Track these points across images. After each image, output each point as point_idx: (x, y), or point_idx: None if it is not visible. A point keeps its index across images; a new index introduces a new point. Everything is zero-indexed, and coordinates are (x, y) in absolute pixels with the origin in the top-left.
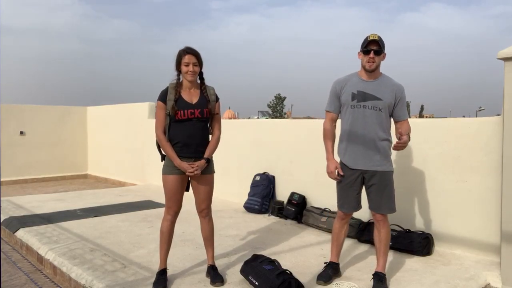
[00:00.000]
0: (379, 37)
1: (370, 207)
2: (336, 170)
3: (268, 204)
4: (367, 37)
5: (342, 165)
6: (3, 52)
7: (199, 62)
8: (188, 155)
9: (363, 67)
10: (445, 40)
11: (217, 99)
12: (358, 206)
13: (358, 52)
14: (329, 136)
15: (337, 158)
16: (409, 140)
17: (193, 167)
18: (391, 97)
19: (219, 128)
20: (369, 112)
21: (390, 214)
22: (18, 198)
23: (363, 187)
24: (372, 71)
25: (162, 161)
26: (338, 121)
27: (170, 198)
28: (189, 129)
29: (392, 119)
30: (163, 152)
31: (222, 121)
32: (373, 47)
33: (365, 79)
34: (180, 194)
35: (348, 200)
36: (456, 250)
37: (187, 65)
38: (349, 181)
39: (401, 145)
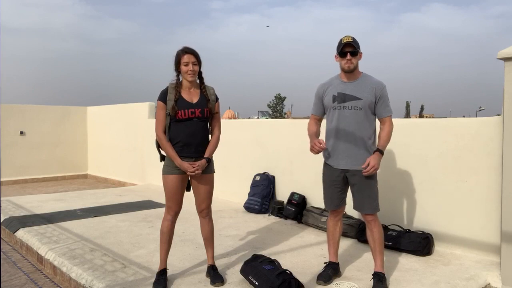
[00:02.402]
0: (353, 38)
1: (354, 207)
2: (319, 143)
3: (268, 204)
4: (341, 40)
5: (326, 165)
6: (3, 52)
7: (198, 61)
8: (188, 155)
9: (342, 69)
10: (445, 40)
11: (216, 99)
12: (340, 203)
13: (335, 56)
14: (312, 131)
15: (322, 160)
16: (382, 155)
17: (194, 167)
18: (370, 95)
19: (219, 128)
20: (349, 112)
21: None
22: (18, 198)
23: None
24: (351, 72)
25: (161, 161)
26: (324, 122)
27: (170, 198)
28: (189, 128)
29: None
30: (163, 153)
31: (222, 121)
32: (348, 49)
33: (346, 81)
34: (180, 194)
35: (329, 197)
36: (456, 250)
37: (186, 65)
38: (331, 179)
39: (368, 172)
